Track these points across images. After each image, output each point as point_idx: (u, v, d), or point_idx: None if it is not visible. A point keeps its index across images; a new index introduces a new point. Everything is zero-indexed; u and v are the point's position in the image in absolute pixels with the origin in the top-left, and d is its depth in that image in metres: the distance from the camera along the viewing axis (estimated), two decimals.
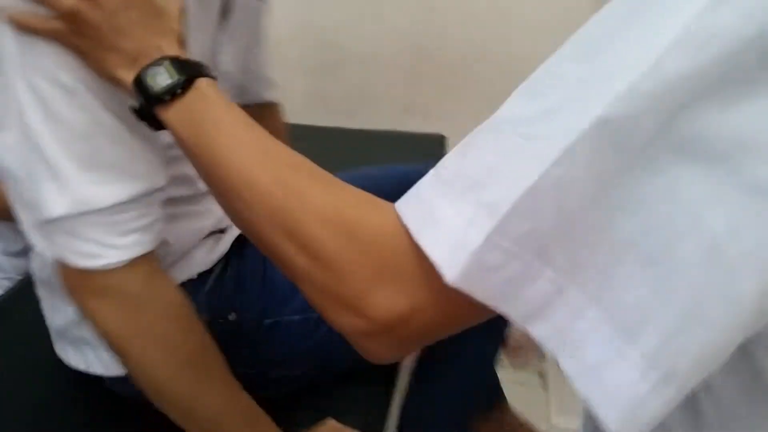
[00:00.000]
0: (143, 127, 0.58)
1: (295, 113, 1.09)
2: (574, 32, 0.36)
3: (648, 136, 0.30)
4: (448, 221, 0.35)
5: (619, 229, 0.31)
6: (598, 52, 0.32)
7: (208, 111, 0.52)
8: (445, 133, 1.30)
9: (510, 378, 1.66)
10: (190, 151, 0.52)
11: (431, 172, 0.38)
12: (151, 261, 0.64)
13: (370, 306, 0.38)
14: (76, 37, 0.55)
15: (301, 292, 0.43)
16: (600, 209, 0.31)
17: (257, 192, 0.45)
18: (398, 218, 0.38)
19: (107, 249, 0.60)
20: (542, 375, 1.70)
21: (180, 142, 0.54)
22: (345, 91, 1.49)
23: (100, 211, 0.59)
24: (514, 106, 0.35)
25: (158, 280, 0.65)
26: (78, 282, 0.62)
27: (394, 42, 1.41)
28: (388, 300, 0.38)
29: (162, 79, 0.54)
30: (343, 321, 0.40)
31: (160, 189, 0.64)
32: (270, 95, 0.99)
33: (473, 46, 1.37)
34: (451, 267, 0.34)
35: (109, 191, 0.59)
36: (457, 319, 0.38)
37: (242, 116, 0.52)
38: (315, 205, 0.42)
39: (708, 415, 0.38)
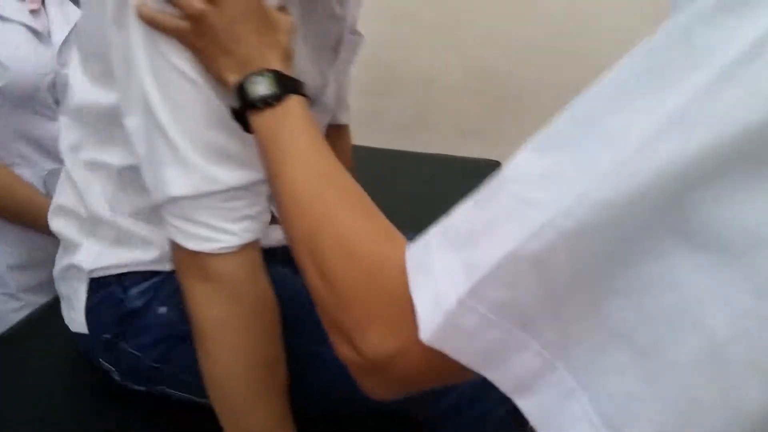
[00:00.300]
0: None
1: (353, 134, 1.11)
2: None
3: (646, 218, 0.28)
4: (436, 275, 0.35)
5: (612, 313, 0.30)
6: (599, 119, 0.31)
7: (289, 126, 0.56)
8: (501, 160, 1.30)
9: None
10: (265, 158, 0.56)
11: (444, 219, 0.38)
12: (257, 253, 0.67)
13: (363, 341, 0.39)
14: (197, 37, 0.60)
15: (319, 312, 0.44)
16: (590, 290, 0.30)
17: (299, 209, 0.48)
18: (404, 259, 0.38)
19: (220, 233, 0.63)
20: None
21: (260, 148, 0.58)
22: (404, 113, 1.50)
23: (217, 193, 0.63)
24: (522, 161, 0.34)
25: (260, 275, 0.68)
26: (187, 264, 0.66)
27: (456, 66, 1.42)
28: (380, 339, 0.38)
29: (260, 88, 0.58)
30: (343, 351, 0.41)
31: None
32: (344, 118, 1.02)
33: (535, 73, 1.37)
34: (427, 324, 0.34)
35: (226, 175, 0.63)
36: (444, 372, 0.37)
37: (317, 138, 0.55)
38: (339, 232, 0.44)
39: None
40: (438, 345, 0.34)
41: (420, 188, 1.28)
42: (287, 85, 0.59)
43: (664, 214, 0.28)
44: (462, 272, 0.33)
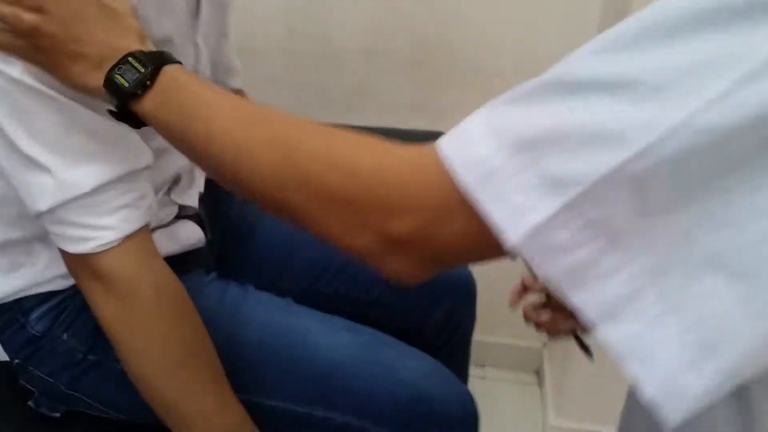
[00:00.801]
0: None
1: (294, 108, 1.08)
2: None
3: (752, 146, 0.28)
4: (509, 182, 0.34)
5: (708, 239, 0.30)
6: (690, 36, 0.30)
7: (184, 92, 0.53)
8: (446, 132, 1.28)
9: (506, 377, 1.66)
10: (174, 135, 0.53)
11: (482, 115, 0.37)
12: (144, 244, 0.64)
13: (394, 225, 0.39)
14: (39, 53, 0.55)
15: (312, 233, 0.44)
16: (686, 216, 0.30)
17: (257, 154, 0.46)
18: (433, 154, 0.38)
19: (97, 231, 0.60)
20: (539, 374, 1.69)
21: (162, 130, 0.54)
22: (347, 86, 1.48)
23: (83, 195, 0.59)
24: (585, 66, 0.33)
25: (152, 262, 0.65)
26: (77, 268, 0.63)
27: (400, 37, 1.39)
28: (410, 224, 0.39)
29: (130, 75, 0.54)
30: (360, 243, 0.41)
31: (146, 167, 0.64)
32: (235, 83, 0.97)
33: (480, 45, 1.36)
34: (512, 233, 0.34)
35: (89, 175, 0.59)
36: (482, 252, 0.39)
37: (219, 90, 0.53)
38: (327, 153, 0.43)
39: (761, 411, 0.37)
40: (526, 252, 0.34)
41: None
42: (155, 60, 0.55)
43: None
44: (549, 185, 0.32)
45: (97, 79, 0.55)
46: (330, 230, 0.43)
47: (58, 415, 0.78)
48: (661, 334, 0.31)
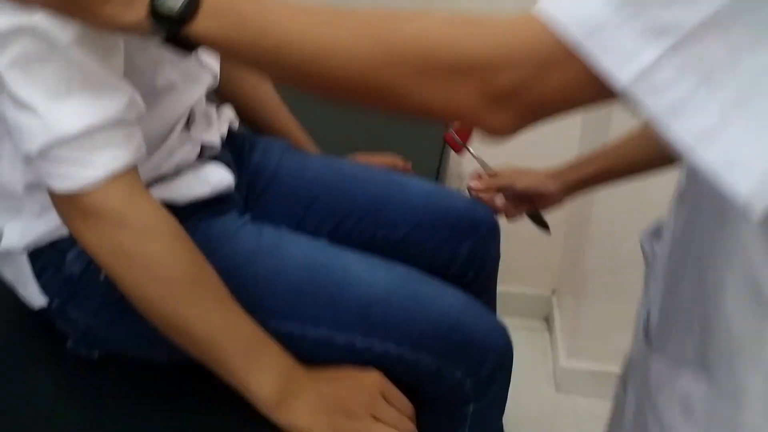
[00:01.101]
0: (114, 59, 0.63)
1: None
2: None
3: None
4: (616, 33, 0.38)
5: None
6: None
7: (239, 6, 0.52)
8: None
9: (516, 325, 1.69)
10: (237, 50, 0.53)
11: None
12: (131, 179, 0.65)
13: (498, 83, 0.43)
14: (67, 3, 0.55)
15: (412, 109, 0.47)
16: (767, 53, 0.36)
17: (348, 46, 0.47)
18: (530, 16, 0.41)
19: (86, 168, 0.61)
20: (548, 320, 1.72)
21: (221, 48, 0.54)
22: None
23: (74, 134, 0.60)
24: None
25: (140, 199, 0.65)
26: (64, 206, 0.64)
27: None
28: (515, 77, 0.42)
29: (173, 1, 0.53)
30: (465, 104, 0.44)
31: (137, 120, 0.65)
32: None
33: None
34: (622, 77, 0.38)
35: (81, 116, 0.60)
36: (582, 101, 0.43)
37: None
38: (412, 25, 0.46)
39: None
40: (634, 92, 0.38)
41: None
42: None
43: None
44: (653, 32, 0.37)
45: (134, 14, 0.54)
46: (431, 100, 0.46)
47: (95, 356, 0.79)
48: (751, 147, 0.37)
